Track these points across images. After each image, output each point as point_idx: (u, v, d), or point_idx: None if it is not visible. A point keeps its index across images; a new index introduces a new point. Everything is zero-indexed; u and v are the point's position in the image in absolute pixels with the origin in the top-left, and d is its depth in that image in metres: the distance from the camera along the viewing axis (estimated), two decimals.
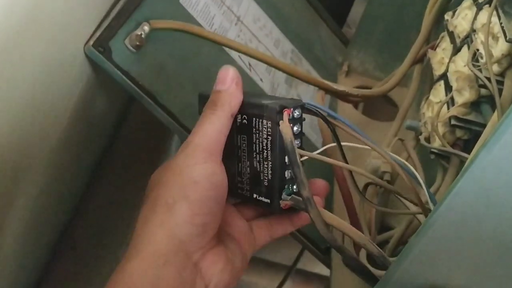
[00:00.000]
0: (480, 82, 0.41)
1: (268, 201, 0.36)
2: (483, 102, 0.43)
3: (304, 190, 0.33)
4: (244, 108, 0.36)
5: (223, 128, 0.35)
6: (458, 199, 0.28)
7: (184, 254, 0.32)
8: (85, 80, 0.44)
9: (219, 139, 0.34)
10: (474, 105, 0.44)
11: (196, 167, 0.33)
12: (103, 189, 0.54)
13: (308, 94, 0.66)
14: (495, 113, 0.39)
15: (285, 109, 0.34)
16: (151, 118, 0.62)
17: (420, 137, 0.48)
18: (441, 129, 0.45)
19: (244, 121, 0.37)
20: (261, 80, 0.59)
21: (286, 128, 0.34)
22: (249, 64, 0.58)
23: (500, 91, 0.40)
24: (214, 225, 0.33)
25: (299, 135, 0.36)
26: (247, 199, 0.38)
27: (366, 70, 0.72)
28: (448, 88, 0.46)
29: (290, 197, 0.35)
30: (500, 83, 0.40)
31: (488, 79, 0.40)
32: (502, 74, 0.41)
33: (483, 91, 0.43)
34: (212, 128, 0.34)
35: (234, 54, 0.55)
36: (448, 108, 0.45)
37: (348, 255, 0.36)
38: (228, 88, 0.36)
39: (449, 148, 0.43)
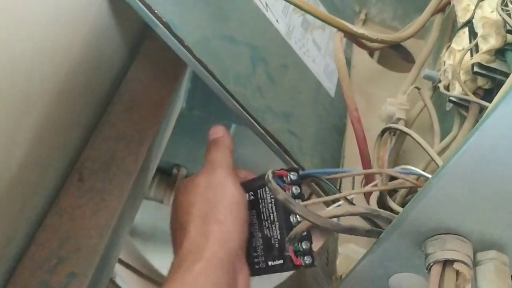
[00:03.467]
0: (508, 27, 0.39)
1: (282, 261, 0.40)
2: (508, 50, 0.42)
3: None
4: (251, 186, 0.43)
5: (230, 157, 0.46)
6: (482, 140, 0.27)
7: (231, 261, 0.40)
8: (97, 5, 0.43)
9: (231, 163, 0.45)
10: (499, 53, 0.43)
11: (232, 188, 0.42)
12: (112, 123, 0.54)
13: (323, 40, 0.64)
14: None
15: (277, 171, 0.40)
16: (163, 57, 0.61)
17: (439, 85, 0.47)
18: (462, 77, 0.44)
19: (252, 197, 0.43)
20: (277, 21, 0.57)
21: (273, 185, 0.38)
22: (266, 4, 0.56)
23: None
24: (246, 239, 0.42)
25: (299, 196, 0.40)
26: (265, 271, 0.42)
27: (383, 20, 0.70)
28: (473, 35, 0.45)
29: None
30: None
31: None
32: None
33: (509, 37, 0.41)
34: (224, 157, 0.45)
35: None
36: (472, 56, 0.44)
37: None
38: (223, 133, 0.48)
39: (471, 96, 0.42)
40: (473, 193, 0.30)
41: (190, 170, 0.90)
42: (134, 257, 0.95)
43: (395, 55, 0.73)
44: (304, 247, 0.40)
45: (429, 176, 0.36)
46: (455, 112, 0.48)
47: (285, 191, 0.38)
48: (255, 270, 0.43)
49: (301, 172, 0.41)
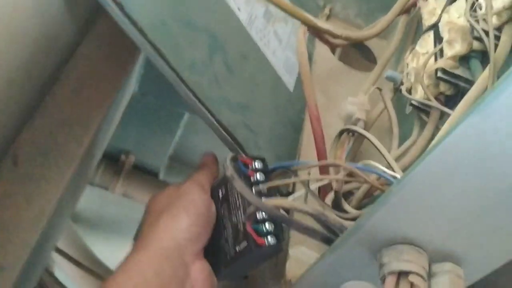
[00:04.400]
0: (475, 34, 0.38)
1: (246, 243, 0.40)
2: (473, 57, 0.41)
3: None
4: (223, 181, 0.44)
5: (211, 179, 0.46)
6: (445, 153, 0.26)
7: (180, 254, 0.40)
8: None
9: (209, 183, 0.46)
10: (463, 59, 0.42)
11: (195, 193, 0.43)
12: (56, 104, 0.50)
13: (285, 33, 0.62)
14: (487, 69, 0.37)
15: (242, 158, 0.42)
16: (116, 37, 0.57)
17: (401, 87, 0.46)
18: (425, 81, 0.43)
19: (224, 191, 0.44)
20: (238, 9, 0.54)
21: (226, 163, 0.40)
22: None
23: (495, 46, 0.38)
24: (204, 238, 0.42)
25: (264, 182, 0.41)
26: (235, 260, 0.41)
27: (347, 17, 0.68)
28: (438, 39, 0.44)
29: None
30: (496, 38, 0.38)
31: (486, 32, 0.38)
32: (499, 29, 0.38)
33: (475, 45, 0.40)
34: (204, 177, 0.46)
35: None
36: (436, 60, 0.42)
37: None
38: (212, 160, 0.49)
39: (433, 101, 0.41)
40: (434, 204, 0.29)
41: (139, 157, 0.87)
42: (75, 245, 0.90)
43: (356, 53, 0.71)
44: (267, 227, 0.39)
45: (392, 176, 0.35)
46: (415, 116, 0.47)
47: (249, 177, 0.41)
48: (228, 261, 0.42)
49: (271, 166, 0.43)
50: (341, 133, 0.46)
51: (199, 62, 0.46)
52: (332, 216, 0.37)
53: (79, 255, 0.89)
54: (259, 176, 0.42)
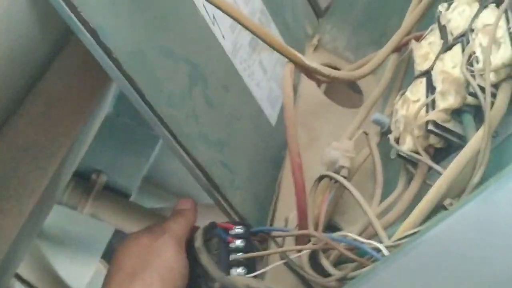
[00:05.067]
0: (471, 90, 0.36)
1: None
2: (466, 112, 0.39)
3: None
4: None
5: (187, 230, 0.43)
6: (441, 236, 0.24)
7: None
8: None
9: (186, 235, 0.43)
10: (455, 113, 0.39)
11: (171, 253, 0.40)
12: (21, 129, 0.46)
13: (271, 63, 0.60)
14: (482, 129, 0.35)
15: (223, 224, 0.43)
16: (90, 57, 0.54)
17: (389, 136, 0.43)
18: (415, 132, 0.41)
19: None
20: (223, 37, 0.52)
21: (197, 238, 0.41)
22: (213, 17, 0.50)
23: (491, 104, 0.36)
24: None
25: (245, 249, 0.41)
26: None
27: (336, 48, 0.66)
28: (430, 88, 0.42)
29: None
30: (492, 95, 0.36)
31: (482, 88, 0.35)
32: (495, 86, 0.36)
33: (469, 99, 0.38)
34: (181, 227, 0.43)
35: (199, 2, 0.47)
36: (427, 111, 0.40)
37: None
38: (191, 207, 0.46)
39: (423, 156, 0.38)
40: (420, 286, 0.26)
41: (111, 177, 0.83)
42: (38, 264, 0.86)
43: (342, 86, 0.69)
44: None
45: (375, 250, 0.32)
46: (402, 167, 0.45)
47: (227, 243, 0.41)
48: None
49: (252, 229, 0.43)
50: (320, 178, 0.44)
51: (178, 94, 0.43)
52: None
53: (41, 275, 0.85)
54: (239, 243, 0.41)
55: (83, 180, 0.82)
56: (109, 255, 0.93)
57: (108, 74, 0.38)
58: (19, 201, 0.43)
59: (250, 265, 0.40)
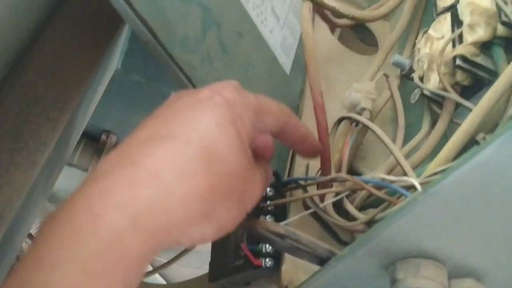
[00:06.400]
0: (504, 19, 0.34)
1: (242, 261, 0.38)
2: (496, 44, 0.37)
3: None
4: None
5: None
6: (483, 165, 0.22)
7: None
8: None
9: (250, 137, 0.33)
10: (485, 46, 0.38)
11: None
12: (30, 81, 0.45)
13: (283, 11, 0.57)
14: None
15: None
16: (97, 8, 0.52)
17: (413, 75, 0.42)
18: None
19: None
20: None
21: None
22: None
23: None
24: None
25: (272, 198, 0.40)
26: (233, 272, 0.39)
27: None
28: (456, 22, 0.40)
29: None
30: None
31: None
32: None
33: (500, 30, 0.36)
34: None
35: None
36: (454, 46, 0.38)
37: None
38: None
39: (451, 92, 0.37)
40: (462, 218, 0.25)
41: (121, 137, 0.82)
42: None
43: (355, 36, 0.67)
44: (266, 248, 0.38)
45: (406, 188, 0.31)
46: (425, 107, 0.43)
47: None
48: (227, 272, 0.41)
49: (284, 180, 0.42)
50: (340, 120, 0.42)
51: (192, 38, 0.41)
52: (305, 236, 0.33)
53: None
54: (268, 191, 0.40)
55: (93, 141, 0.81)
56: None
57: (120, 15, 0.36)
58: (31, 153, 0.41)
59: (279, 214, 0.39)
